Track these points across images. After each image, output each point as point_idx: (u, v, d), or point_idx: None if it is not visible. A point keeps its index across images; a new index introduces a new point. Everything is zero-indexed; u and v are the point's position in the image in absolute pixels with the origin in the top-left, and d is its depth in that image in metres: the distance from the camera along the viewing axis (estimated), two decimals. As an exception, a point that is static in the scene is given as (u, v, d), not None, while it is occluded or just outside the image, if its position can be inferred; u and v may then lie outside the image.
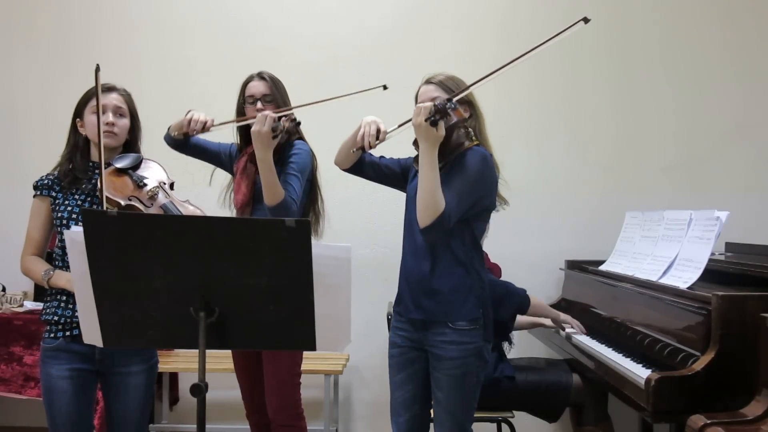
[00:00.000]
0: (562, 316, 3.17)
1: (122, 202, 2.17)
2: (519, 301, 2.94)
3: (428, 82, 2.34)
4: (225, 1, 3.95)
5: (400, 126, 2.30)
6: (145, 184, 2.24)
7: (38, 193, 2.22)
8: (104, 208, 2.15)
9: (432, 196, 2.10)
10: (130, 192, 2.20)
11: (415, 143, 2.26)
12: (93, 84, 2.19)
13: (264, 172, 2.39)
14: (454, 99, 2.13)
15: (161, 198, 2.26)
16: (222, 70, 3.69)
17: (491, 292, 2.88)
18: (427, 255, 2.29)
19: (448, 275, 2.26)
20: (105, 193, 2.12)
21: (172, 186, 2.33)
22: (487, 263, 3.11)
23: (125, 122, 2.26)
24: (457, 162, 2.22)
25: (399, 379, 2.38)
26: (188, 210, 2.29)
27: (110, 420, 2.24)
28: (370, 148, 2.32)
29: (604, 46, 3.87)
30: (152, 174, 2.29)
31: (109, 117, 2.20)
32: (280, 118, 2.41)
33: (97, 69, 2.14)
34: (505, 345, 3.08)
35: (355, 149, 2.35)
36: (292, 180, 2.50)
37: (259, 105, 2.59)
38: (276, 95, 2.61)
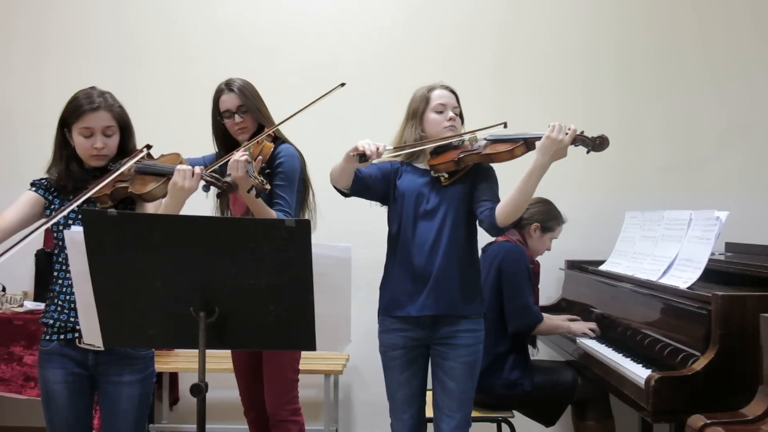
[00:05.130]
0: (573, 327, 3.09)
1: (109, 192, 2.13)
2: (529, 322, 2.96)
3: (447, 88, 2.42)
4: (224, 1, 3.95)
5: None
6: (119, 167, 2.18)
7: (34, 189, 2.19)
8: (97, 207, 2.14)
9: (526, 204, 2.27)
10: (112, 182, 2.16)
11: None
12: (90, 86, 2.19)
13: (252, 207, 2.40)
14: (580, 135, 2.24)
15: (142, 164, 2.19)
16: (221, 70, 3.68)
17: (514, 304, 2.93)
18: (436, 252, 2.32)
19: (458, 270, 2.34)
20: (91, 195, 2.09)
21: (150, 156, 2.25)
22: (532, 261, 3.11)
23: (114, 140, 2.18)
24: (477, 170, 2.38)
25: (404, 378, 2.40)
26: (175, 163, 2.21)
27: (103, 429, 2.20)
28: (378, 156, 2.20)
29: (605, 46, 3.87)
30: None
31: (97, 142, 2.14)
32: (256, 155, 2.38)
33: (149, 147, 2.16)
34: (530, 348, 3.10)
35: (357, 159, 2.20)
36: (282, 192, 2.50)
37: (237, 119, 2.59)
38: (249, 104, 2.59)
